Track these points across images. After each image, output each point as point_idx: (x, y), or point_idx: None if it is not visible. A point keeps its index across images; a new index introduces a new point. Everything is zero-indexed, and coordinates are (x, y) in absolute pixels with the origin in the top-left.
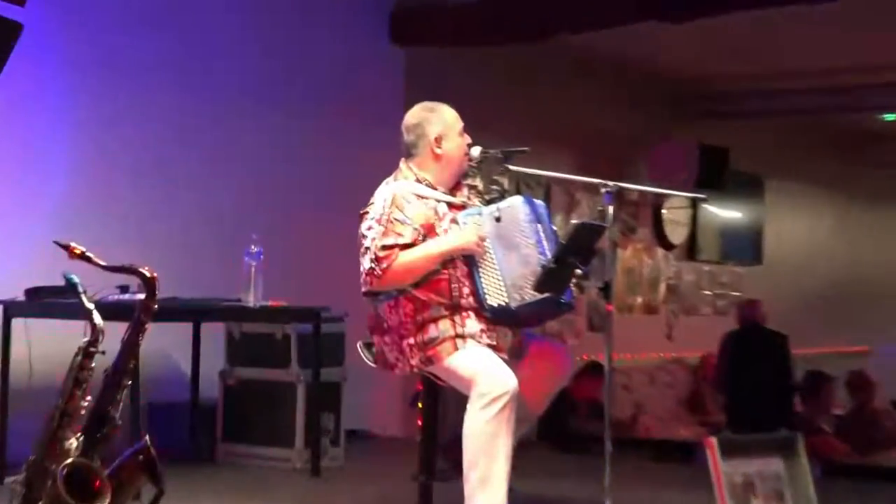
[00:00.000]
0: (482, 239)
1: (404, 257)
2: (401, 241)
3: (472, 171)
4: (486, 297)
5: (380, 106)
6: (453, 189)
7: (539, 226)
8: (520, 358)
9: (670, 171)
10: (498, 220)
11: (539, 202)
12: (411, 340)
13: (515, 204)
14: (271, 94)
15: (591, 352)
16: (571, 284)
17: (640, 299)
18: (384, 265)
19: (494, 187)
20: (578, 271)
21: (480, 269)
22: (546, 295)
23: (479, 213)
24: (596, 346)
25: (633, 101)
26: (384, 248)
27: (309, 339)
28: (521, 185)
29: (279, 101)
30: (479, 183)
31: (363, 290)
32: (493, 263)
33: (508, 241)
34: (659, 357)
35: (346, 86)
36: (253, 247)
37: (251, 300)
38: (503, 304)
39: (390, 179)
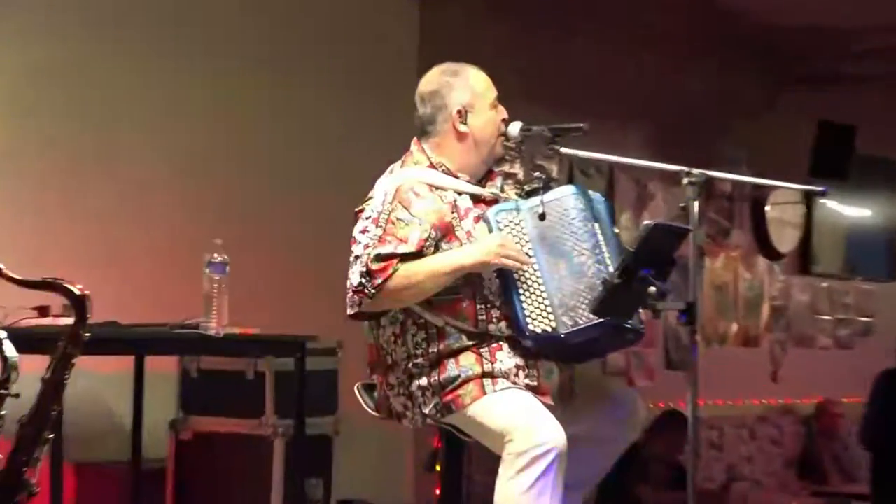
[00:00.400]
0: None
1: (405, 272)
2: (402, 249)
3: (508, 154)
4: (527, 320)
5: (386, 71)
6: (483, 178)
7: (597, 225)
8: (570, 404)
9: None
10: (542, 217)
11: (597, 195)
12: (423, 381)
13: (565, 196)
14: (249, 59)
15: (668, 397)
16: (641, 306)
17: (735, 326)
18: (378, 281)
19: (538, 175)
20: (651, 288)
21: (518, 284)
22: (607, 319)
23: (516, 209)
24: (675, 390)
25: (727, 61)
26: (379, 258)
27: (290, 378)
28: (576, 173)
29: (258, 68)
30: (517, 170)
31: (349, 311)
32: (536, 276)
33: (556, 246)
34: (761, 404)
35: (345, 49)
36: (216, 255)
37: (213, 326)
38: (549, 330)
39: (396, 166)
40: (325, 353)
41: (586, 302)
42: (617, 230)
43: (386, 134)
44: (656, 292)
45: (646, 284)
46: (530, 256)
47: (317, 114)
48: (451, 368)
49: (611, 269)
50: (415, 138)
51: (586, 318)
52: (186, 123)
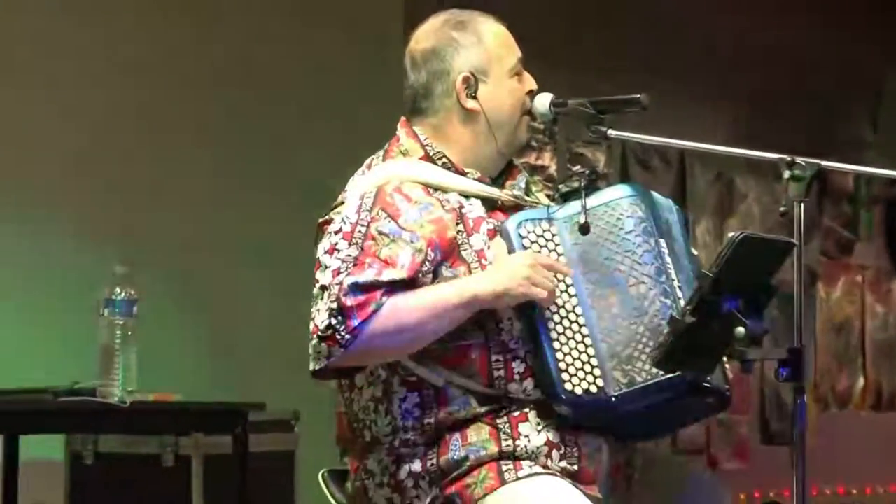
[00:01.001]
0: (552, 273)
1: (395, 307)
2: (388, 275)
3: (536, 139)
4: (563, 377)
5: (361, 26)
6: (501, 175)
7: (663, 242)
8: (626, 497)
9: None
10: (584, 230)
11: (665, 199)
12: (417, 466)
13: (618, 200)
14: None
15: (767, 484)
16: (727, 356)
17: (861, 382)
18: (355, 322)
19: (578, 169)
20: (740, 330)
21: (550, 325)
22: (677, 375)
23: (548, 219)
24: (777, 474)
25: (848, 12)
26: (357, 288)
27: (227, 464)
28: (633, 166)
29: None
30: (550, 163)
31: (312, 366)
32: (576, 313)
33: (604, 272)
34: None
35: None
36: (118, 290)
37: (115, 392)
38: (594, 391)
39: (376, 159)
40: (276, 427)
41: (647, 351)
42: (694, 250)
43: (361, 120)
44: (747, 335)
45: (732, 324)
46: (568, 286)
47: (264, 95)
48: (456, 447)
49: (682, 303)
50: (402, 118)
51: (647, 374)
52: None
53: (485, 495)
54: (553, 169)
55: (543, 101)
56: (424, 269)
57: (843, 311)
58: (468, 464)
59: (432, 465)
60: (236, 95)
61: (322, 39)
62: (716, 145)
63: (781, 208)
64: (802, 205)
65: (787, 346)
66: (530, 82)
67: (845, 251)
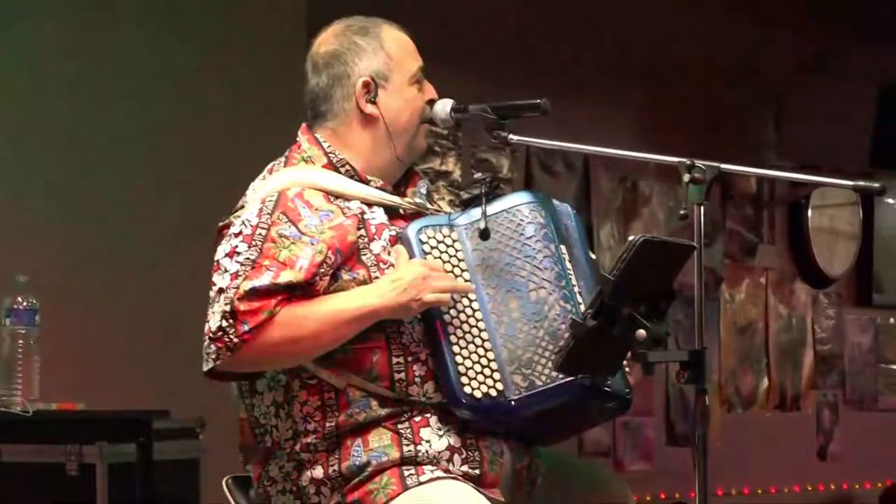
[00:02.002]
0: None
1: (288, 317)
2: (285, 276)
3: (440, 145)
4: (462, 381)
5: (262, 34)
6: (402, 183)
7: (563, 248)
8: (529, 500)
9: None
10: (484, 235)
11: (564, 206)
12: (318, 472)
13: (518, 206)
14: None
15: (672, 486)
16: (627, 359)
17: (765, 383)
18: (245, 327)
19: (480, 176)
20: (640, 332)
21: (450, 329)
22: (577, 378)
23: (449, 225)
24: (683, 475)
25: (760, 12)
26: (254, 293)
27: (131, 472)
28: (536, 171)
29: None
30: (454, 168)
31: (204, 367)
32: (476, 318)
33: (504, 277)
34: (804, 492)
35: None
36: (20, 299)
37: (18, 401)
38: (493, 394)
39: (278, 164)
40: (180, 434)
41: (547, 355)
42: (593, 255)
43: (262, 126)
44: (647, 338)
45: (633, 327)
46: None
47: (168, 101)
48: (358, 452)
49: (582, 307)
50: (303, 125)
51: (547, 378)
52: None
53: (387, 501)
54: (457, 174)
55: (444, 107)
56: (322, 270)
57: (746, 313)
58: (370, 469)
59: (334, 471)
60: (140, 102)
61: (223, 46)
62: (617, 150)
63: (682, 211)
64: (703, 207)
65: (689, 348)
66: (430, 91)
67: (748, 254)
